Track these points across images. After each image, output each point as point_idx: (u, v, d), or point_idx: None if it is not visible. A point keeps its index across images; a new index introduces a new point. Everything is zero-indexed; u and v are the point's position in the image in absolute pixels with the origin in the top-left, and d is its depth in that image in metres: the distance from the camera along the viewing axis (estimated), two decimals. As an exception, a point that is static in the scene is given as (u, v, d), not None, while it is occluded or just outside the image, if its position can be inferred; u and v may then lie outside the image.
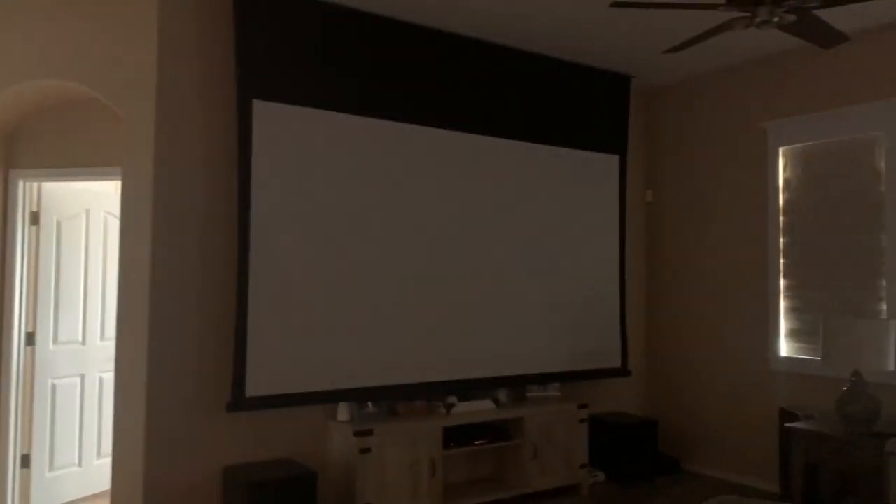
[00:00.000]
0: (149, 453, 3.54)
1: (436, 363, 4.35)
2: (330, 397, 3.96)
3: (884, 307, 4.26)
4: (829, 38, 3.06)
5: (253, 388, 3.71)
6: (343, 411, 4.08)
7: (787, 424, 4.11)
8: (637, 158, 5.77)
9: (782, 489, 4.52)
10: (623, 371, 5.29)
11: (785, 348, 4.78)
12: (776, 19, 2.77)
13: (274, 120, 3.83)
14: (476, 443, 4.36)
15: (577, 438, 4.78)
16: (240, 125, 3.73)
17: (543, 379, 4.84)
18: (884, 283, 4.27)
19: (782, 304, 4.81)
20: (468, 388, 4.48)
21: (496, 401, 4.62)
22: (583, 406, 4.82)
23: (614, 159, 5.33)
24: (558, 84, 5.01)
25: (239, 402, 3.66)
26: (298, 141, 3.91)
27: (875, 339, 3.79)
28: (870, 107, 4.34)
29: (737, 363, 5.08)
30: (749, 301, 5.02)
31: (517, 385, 4.75)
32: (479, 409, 4.45)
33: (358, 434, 3.88)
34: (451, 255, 4.45)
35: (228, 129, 3.83)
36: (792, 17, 2.79)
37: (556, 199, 4.98)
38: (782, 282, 4.82)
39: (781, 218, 4.84)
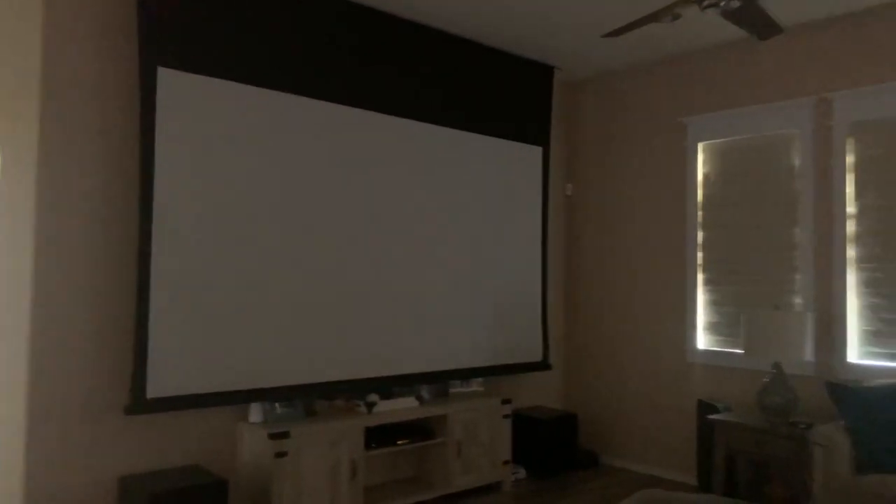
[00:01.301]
0: (29, 461, 3.10)
1: (354, 360, 4.09)
2: (241, 397, 3.63)
3: (798, 300, 4.39)
4: (767, 28, 3.06)
5: (154, 389, 3.33)
6: (256, 412, 3.76)
7: (710, 416, 4.15)
8: (558, 151, 5.73)
9: (700, 481, 4.57)
10: (544, 365, 5.22)
11: (703, 341, 4.86)
12: (722, 3, 2.73)
13: (180, 91, 3.45)
14: (399, 442, 4.14)
15: (500, 435, 4.65)
16: (142, 95, 3.34)
17: (465, 374, 4.69)
18: (798, 276, 4.39)
19: (701, 297, 4.88)
20: (389, 386, 4.26)
21: (419, 398, 4.42)
22: (506, 401, 4.70)
23: (537, 151, 5.25)
24: (482, 70, 4.87)
25: (138, 403, 3.27)
26: (208, 116, 3.55)
27: (793, 332, 3.88)
28: (786, 105, 4.45)
29: (655, 356, 5.12)
30: (667, 295, 5.07)
31: (439, 381, 4.57)
32: (403, 408, 4.23)
33: (273, 437, 3.57)
34: (369, 246, 4.21)
35: (128, 100, 3.43)
36: (737, 3, 2.76)
37: (477, 189, 4.83)
38: (700, 275, 4.89)
39: (700, 212, 4.91)
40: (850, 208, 4.18)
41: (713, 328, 4.81)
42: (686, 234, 4.98)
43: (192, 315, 3.46)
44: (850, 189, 4.19)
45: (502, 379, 5.18)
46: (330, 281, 4.00)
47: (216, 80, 3.57)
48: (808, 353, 3.90)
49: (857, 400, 3.46)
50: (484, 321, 4.81)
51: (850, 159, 4.20)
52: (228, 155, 3.62)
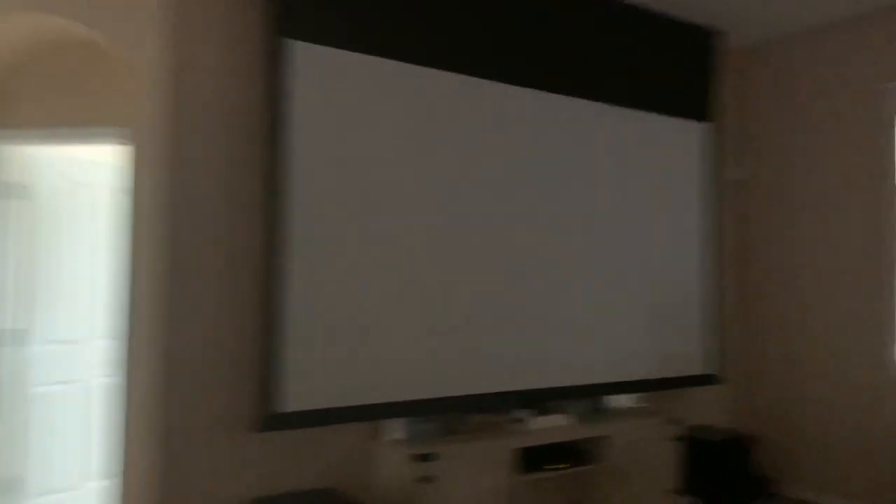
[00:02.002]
0: (164, 480, 2.77)
1: (500, 370, 3.55)
2: (381, 412, 3.17)
3: None
4: None
5: (290, 402, 2.93)
6: (394, 429, 3.30)
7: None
8: (727, 128, 4.95)
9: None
10: (716, 378, 4.49)
11: (918, 353, 3.99)
12: None
13: (316, 67, 3.04)
14: (556, 467, 3.57)
15: (667, 459, 3.99)
16: (272, 72, 2.94)
17: (623, 388, 4.05)
18: None
19: (914, 299, 4.02)
20: (539, 400, 3.69)
21: (575, 415, 3.83)
22: (675, 421, 4.03)
23: (702, 128, 4.53)
24: (633, 36, 4.21)
25: (273, 418, 2.88)
26: (348, 95, 3.12)
27: None
28: None
29: (850, 370, 4.28)
30: (864, 297, 4.22)
31: (594, 395, 3.96)
32: (558, 426, 3.66)
33: (417, 458, 3.09)
34: (515, 244, 3.66)
35: (259, 79, 3.05)
36: None
37: (633, 173, 4.17)
38: (914, 273, 4.03)
39: (913, 196, 4.05)
40: None
41: (933, 337, 3.93)
42: (887, 225, 4.11)
43: (330, 321, 3.03)
44: None
45: (667, 394, 4.50)
46: (473, 284, 3.48)
47: (357, 55, 3.14)
48: None
49: None
50: (644, 327, 4.15)
51: None
52: (368, 145, 3.18)
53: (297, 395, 2.94)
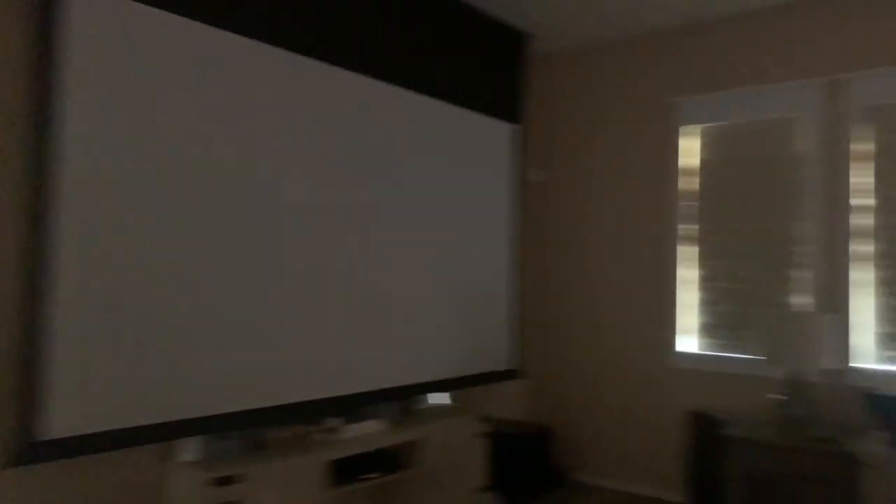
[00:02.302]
0: None
1: (306, 376, 3.25)
2: (171, 431, 2.71)
3: (797, 299, 4.00)
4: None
5: (55, 427, 2.37)
6: (190, 450, 2.85)
7: (722, 432, 3.67)
8: (531, 131, 5.08)
9: (691, 498, 4.11)
10: (517, 373, 4.58)
11: (693, 344, 4.39)
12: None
13: (97, 18, 2.49)
14: (371, 476, 3.35)
15: (476, 457, 3.96)
16: (42, 16, 2.35)
17: (433, 388, 3.95)
18: (794, 273, 4.00)
19: (692, 296, 4.41)
20: (349, 407, 3.45)
21: (386, 419, 3.64)
22: (483, 419, 4.02)
23: (508, 129, 4.59)
24: (446, 26, 4.13)
25: (34, 448, 2.31)
26: (135, 54, 2.60)
27: (815, 335, 3.45)
28: (788, 86, 4.05)
29: (634, 362, 4.61)
30: (650, 293, 4.57)
31: (404, 398, 3.80)
32: (371, 433, 3.45)
33: (217, 481, 2.69)
34: (318, 239, 3.37)
35: (24, 24, 2.43)
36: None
37: (438, 168, 4.09)
38: (692, 272, 4.42)
39: (691, 203, 4.44)
40: (868, 200, 3.82)
41: (706, 330, 4.36)
42: (670, 227, 4.50)
43: (104, 328, 2.51)
44: (867, 180, 3.83)
45: (472, 392, 4.49)
46: (271, 284, 3.14)
47: (149, 9, 2.63)
48: (835, 359, 3.50)
49: (908, 414, 3.06)
50: (450, 325, 4.09)
51: (867, 147, 3.84)
52: (155, 117, 2.68)
53: (66, 418, 2.39)
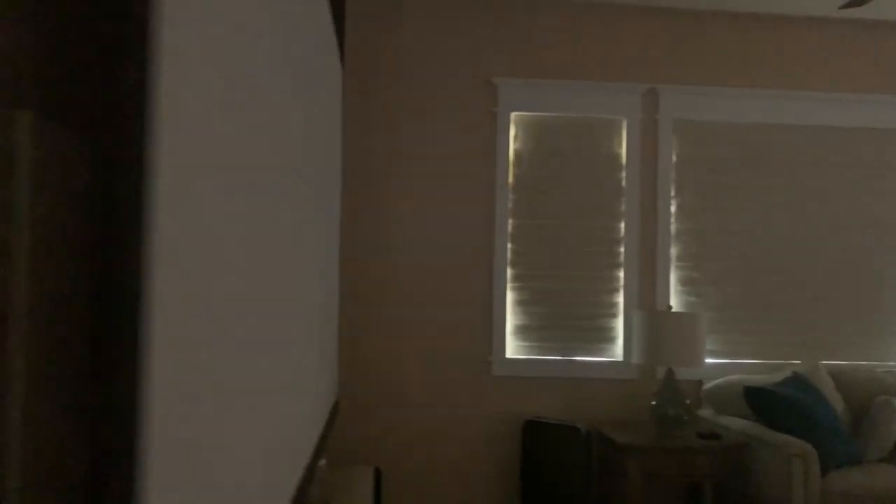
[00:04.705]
0: None
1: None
2: None
3: (618, 299, 4.10)
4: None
5: None
6: None
7: (617, 440, 3.44)
8: (346, 94, 3.83)
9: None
10: (337, 405, 3.41)
11: (511, 349, 4.04)
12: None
13: None
14: None
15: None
16: None
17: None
18: (620, 273, 4.11)
19: (508, 296, 4.05)
20: None
21: None
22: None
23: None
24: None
25: None
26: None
27: (688, 335, 3.59)
28: (615, 87, 4.10)
29: (453, 369, 3.99)
30: (471, 294, 4.02)
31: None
32: None
33: None
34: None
35: None
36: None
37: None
38: (509, 271, 4.06)
39: (511, 196, 4.08)
40: (671, 206, 4.15)
41: (522, 332, 4.06)
42: (495, 222, 4.05)
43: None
44: (670, 187, 4.15)
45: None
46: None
47: None
48: (688, 357, 3.67)
49: (783, 402, 3.41)
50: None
51: (672, 156, 4.16)
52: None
53: None
